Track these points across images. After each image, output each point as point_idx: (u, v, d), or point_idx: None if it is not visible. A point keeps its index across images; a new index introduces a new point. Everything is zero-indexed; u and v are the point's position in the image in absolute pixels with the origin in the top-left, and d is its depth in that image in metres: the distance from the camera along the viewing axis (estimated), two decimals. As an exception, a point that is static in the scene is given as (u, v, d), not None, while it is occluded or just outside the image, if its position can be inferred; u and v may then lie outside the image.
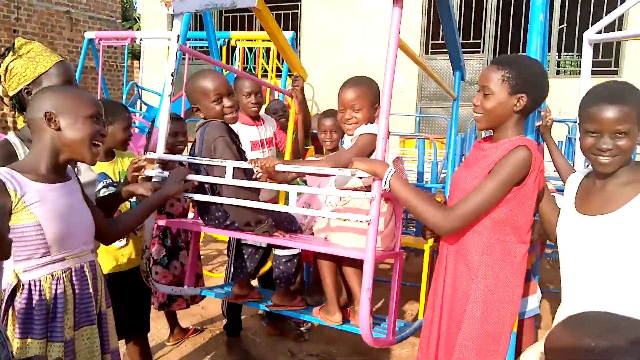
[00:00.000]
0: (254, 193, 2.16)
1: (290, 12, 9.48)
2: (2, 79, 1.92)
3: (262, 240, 2.19)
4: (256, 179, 2.12)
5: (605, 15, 3.09)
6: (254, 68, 7.97)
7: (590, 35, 2.85)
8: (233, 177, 2.02)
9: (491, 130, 1.94)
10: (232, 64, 7.68)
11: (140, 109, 7.52)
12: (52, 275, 1.61)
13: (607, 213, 1.60)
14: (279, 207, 2.13)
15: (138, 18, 16.48)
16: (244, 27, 9.97)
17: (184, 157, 2.23)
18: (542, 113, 2.68)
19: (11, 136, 1.92)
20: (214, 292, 2.56)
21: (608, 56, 7.93)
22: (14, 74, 1.89)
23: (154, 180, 2.17)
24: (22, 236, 1.54)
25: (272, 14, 2.76)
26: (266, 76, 7.72)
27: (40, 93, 1.66)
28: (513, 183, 1.75)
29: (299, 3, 9.57)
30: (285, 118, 3.94)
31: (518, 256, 1.83)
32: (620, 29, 7.47)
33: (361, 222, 1.85)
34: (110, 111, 2.56)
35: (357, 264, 2.18)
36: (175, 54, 2.23)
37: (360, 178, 2.01)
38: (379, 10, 8.62)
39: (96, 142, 1.69)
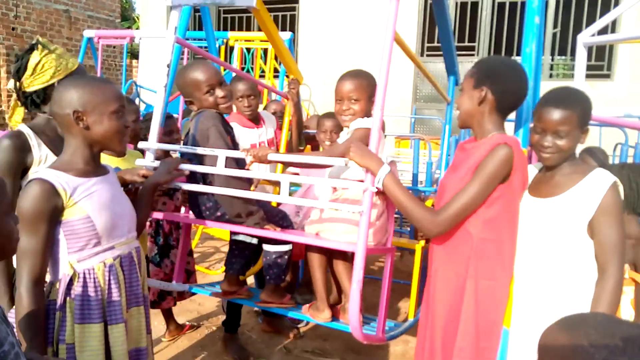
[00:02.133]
0: (246, 184, 2.17)
1: (288, 13, 9.53)
2: (29, 72, 1.92)
3: (252, 232, 2.18)
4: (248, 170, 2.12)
5: (599, 18, 3.15)
6: (252, 69, 8.01)
7: (585, 38, 2.91)
8: (225, 167, 2.03)
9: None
10: (230, 64, 7.71)
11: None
12: (104, 263, 1.70)
13: (554, 196, 1.82)
14: (271, 197, 2.14)
15: (137, 18, 16.47)
16: (242, 28, 10.02)
17: (176, 147, 2.24)
18: None
19: (24, 127, 1.94)
20: (203, 289, 2.54)
21: (601, 60, 8.02)
22: (47, 68, 1.92)
23: (144, 168, 2.15)
24: (74, 229, 1.63)
25: (270, 15, 2.79)
26: (264, 77, 7.77)
27: (65, 88, 1.68)
28: (497, 181, 1.79)
29: (297, 5, 9.63)
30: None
31: (507, 255, 1.88)
32: (613, 32, 7.56)
33: (353, 212, 1.88)
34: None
35: (348, 258, 2.20)
36: (172, 46, 2.23)
37: (349, 168, 2.01)
38: (377, 12, 8.67)
39: (123, 134, 1.77)
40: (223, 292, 2.42)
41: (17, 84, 1.96)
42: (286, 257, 2.31)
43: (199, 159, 2.17)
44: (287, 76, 3.78)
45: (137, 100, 7.42)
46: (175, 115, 4.55)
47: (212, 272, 4.87)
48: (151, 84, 7.93)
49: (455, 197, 1.83)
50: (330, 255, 2.25)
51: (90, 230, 1.64)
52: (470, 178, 1.83)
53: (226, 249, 5.41)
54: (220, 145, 2.11)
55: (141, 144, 2.26)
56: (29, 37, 10.23)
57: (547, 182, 1.87)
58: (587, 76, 7.12)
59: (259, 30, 10.11)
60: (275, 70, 7.82)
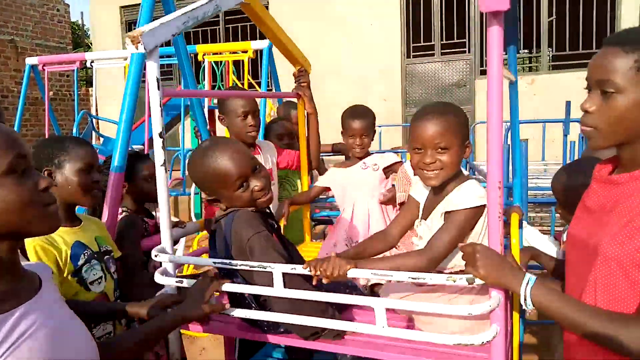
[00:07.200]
0: (316, 302, 1.49)
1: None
2: None
3: (332, 349, 1.55)
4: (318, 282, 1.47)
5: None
6: (223, 85, 7.17)
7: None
8: (285, 285, 1.45)
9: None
10: (200, 80, 6.87)
11: (97, 142, 6.60)
12: None
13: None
14: (364, 328, 1.44)
15: (91, 44, 15.57)
16: (207, 41, 9.18)
17: (210, 261, 1.56)
18: None
19: None
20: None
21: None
22: None
23: (164, 290, 1.60)
24: None
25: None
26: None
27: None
28: None
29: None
30: (294, 142, 3.20)
31: None
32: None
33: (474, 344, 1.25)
34: (55, 150, 1.82)
35: None
36: (160, 106, 1.55)
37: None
38: (351, 16, 8.08)
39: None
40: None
41: None
42: None
43: (241, 274, 1.60)
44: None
45: (92, 134, 6.50)
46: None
47: (199, 334, 4.04)
48: (109, 113, 7.07)
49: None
50: None
51: None
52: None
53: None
54: (272, 258, 1.50)
55: (159, 257, 1.60)
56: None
57: None
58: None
59: (226, 40, 9.32)
60: (250, 86, 7.02)
